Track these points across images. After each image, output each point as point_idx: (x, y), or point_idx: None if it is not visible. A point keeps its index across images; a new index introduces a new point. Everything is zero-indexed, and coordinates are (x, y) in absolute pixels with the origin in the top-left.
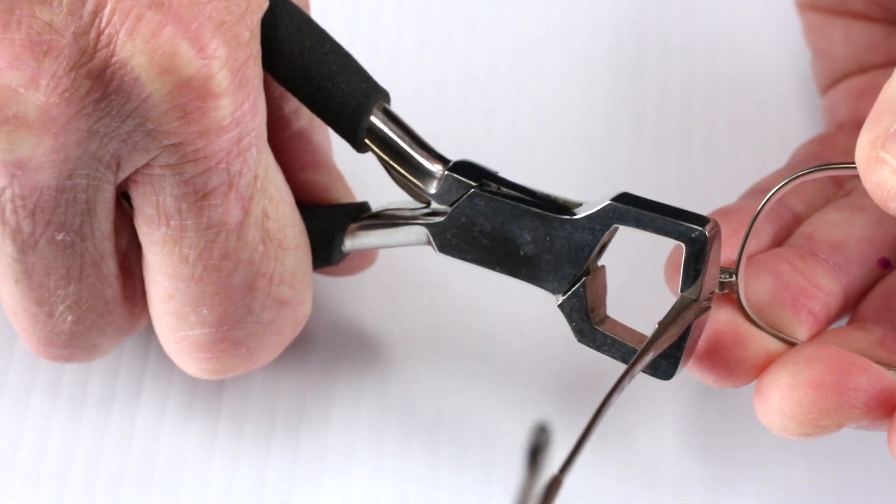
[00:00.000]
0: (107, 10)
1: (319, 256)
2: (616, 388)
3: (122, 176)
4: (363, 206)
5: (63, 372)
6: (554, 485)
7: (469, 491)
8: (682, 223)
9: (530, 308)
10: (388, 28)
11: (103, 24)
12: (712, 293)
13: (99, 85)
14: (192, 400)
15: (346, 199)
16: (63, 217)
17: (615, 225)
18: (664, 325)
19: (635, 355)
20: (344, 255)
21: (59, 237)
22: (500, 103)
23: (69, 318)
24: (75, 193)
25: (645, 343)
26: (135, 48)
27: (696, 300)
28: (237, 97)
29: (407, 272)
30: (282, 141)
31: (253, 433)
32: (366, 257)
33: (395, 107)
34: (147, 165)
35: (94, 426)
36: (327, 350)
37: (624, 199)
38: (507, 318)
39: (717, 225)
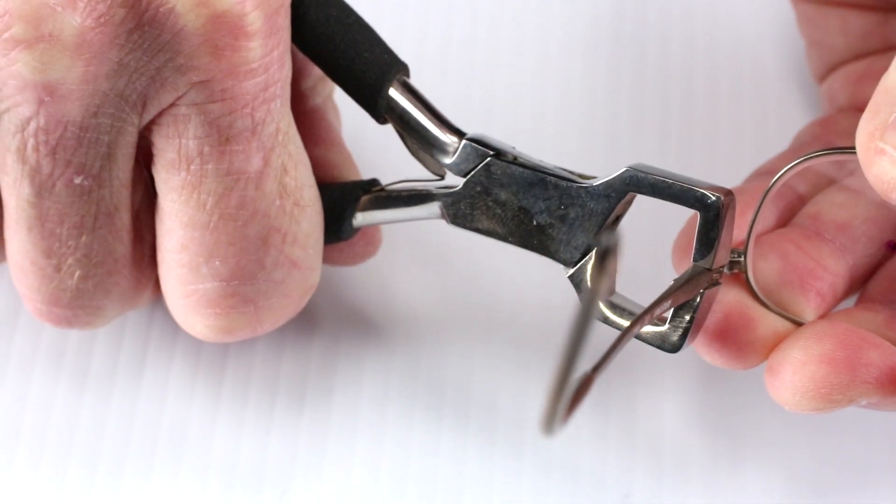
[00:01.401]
0: None
1: (330, 230)
2: (616, 345)
3: (147, 118)
4: (373, 182)
5: (66, 342)
6: (586, 382)
7: (471, 462)
8: (699, 189)
9: (534, 283)
10: (389, 4)
11: None
12: (723, 267)
13: (134, 14)
14: (195, 371)
15: (354, 179)
16: (84, 159)
17: (630, 193)
18: (679, 283)
19: (654, 300)
20: (354, 231)
21: (78, 181)
22: (501, 84)
23: (77, 272)
24: (98, 134)
25: (663, 293)
26: None
27: (708, 269)
28: (268, 42)
29: (411, 247)
30: (297, 116)
31: (256, 405)
32: (370, 244)
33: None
34: (173, 105)
35: (97, 397)
36: (330, 322)
37: (640, 165)
38: (510, 292)
39: (732, 194)
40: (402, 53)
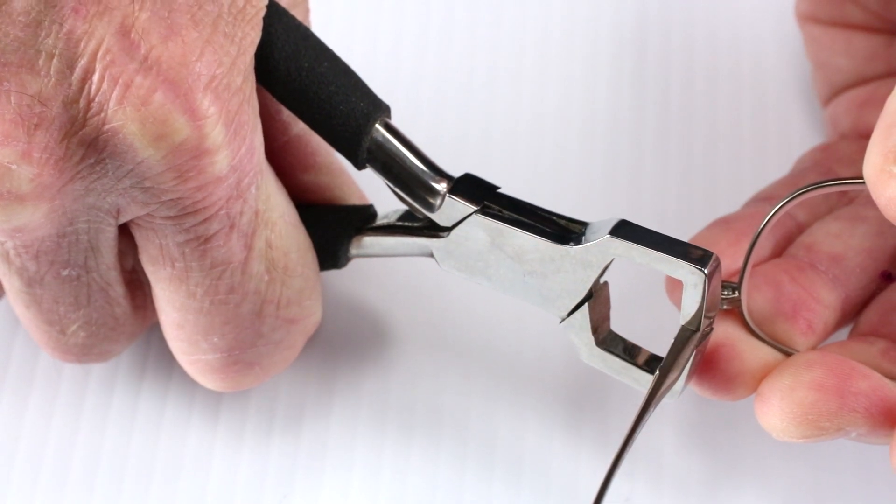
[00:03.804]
0: (95, 78)
1: (326, 262)
2: (625, 446)
3: (123, 220)
4: (369, 212)
5: (63, 366)
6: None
7: (469, 486)
8: (681, 262)
9: (534, 309)
10: (386, 39)
11: (93, 92)
12: (712, 321)
13: (92, 151)
14: (192, 393)
15: (350, 197)
16: (67, 256)
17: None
18: (665, 371)
19: (639, 410)
20: (350, 260)
21: (65, 273)
22: (499, 112)
23: (81, 334)
24: (77, 236)
25: (646, 396)
26: (126, 116)
27: (696, 331)
28: (233, 146)
29: (409, 267)
30: (281, 145)
31: (254, 426)
32: None
33: (394, 119)
34: (147, 215)
35: (94, 420)
36: (328, 345)
37: (622, 229)
38: (508, 314)
39: (716, 260)
40: (399, 89)
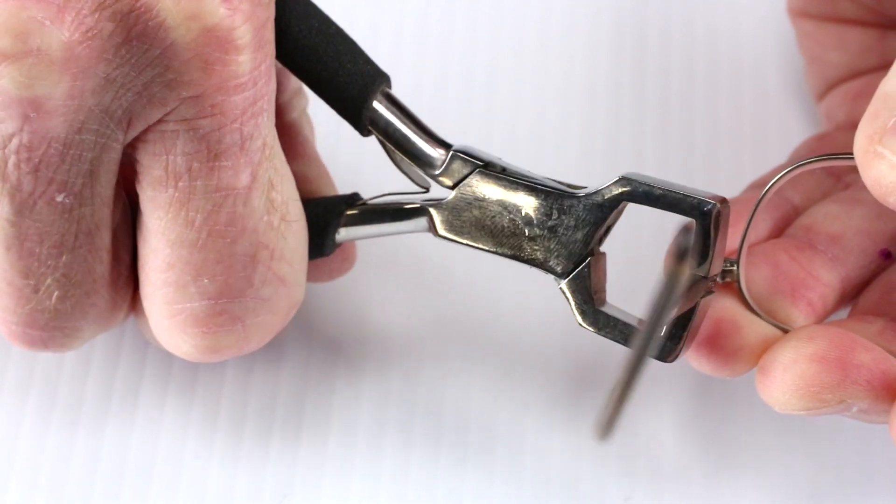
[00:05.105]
0: None
1: (313, 246)
2: (634, 369)
3: (132, 134)
4: (355, 197)
5: (61, 370)
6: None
7: (470, 486)
8: (694, 197)
9: (531, 297)
10: (390, 9)
11: None
12: (716, 276)
13: (122, 28)
14: (191, 395)
15: (330, 193)
16: (66, 176)
17: (623, 202)
18: (680, 292)
19: (658, 305)
20: (336, 246)
21: (59, 199)
22: (501, 94)
23: (55, 293)
24: (81, 151)
25: (667, 302)
26: None
27: (704, 277)
28: (256, 56)
29: (406, 262)
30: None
31: (253, 429)
32: (346, 260)
33: (396, 92)
34: (160, 121)
35: (92, 424)
36: (327, 343)
37: (633, 174)
38: (507, 307)
39: (726, 202)
40: (401, 61)
